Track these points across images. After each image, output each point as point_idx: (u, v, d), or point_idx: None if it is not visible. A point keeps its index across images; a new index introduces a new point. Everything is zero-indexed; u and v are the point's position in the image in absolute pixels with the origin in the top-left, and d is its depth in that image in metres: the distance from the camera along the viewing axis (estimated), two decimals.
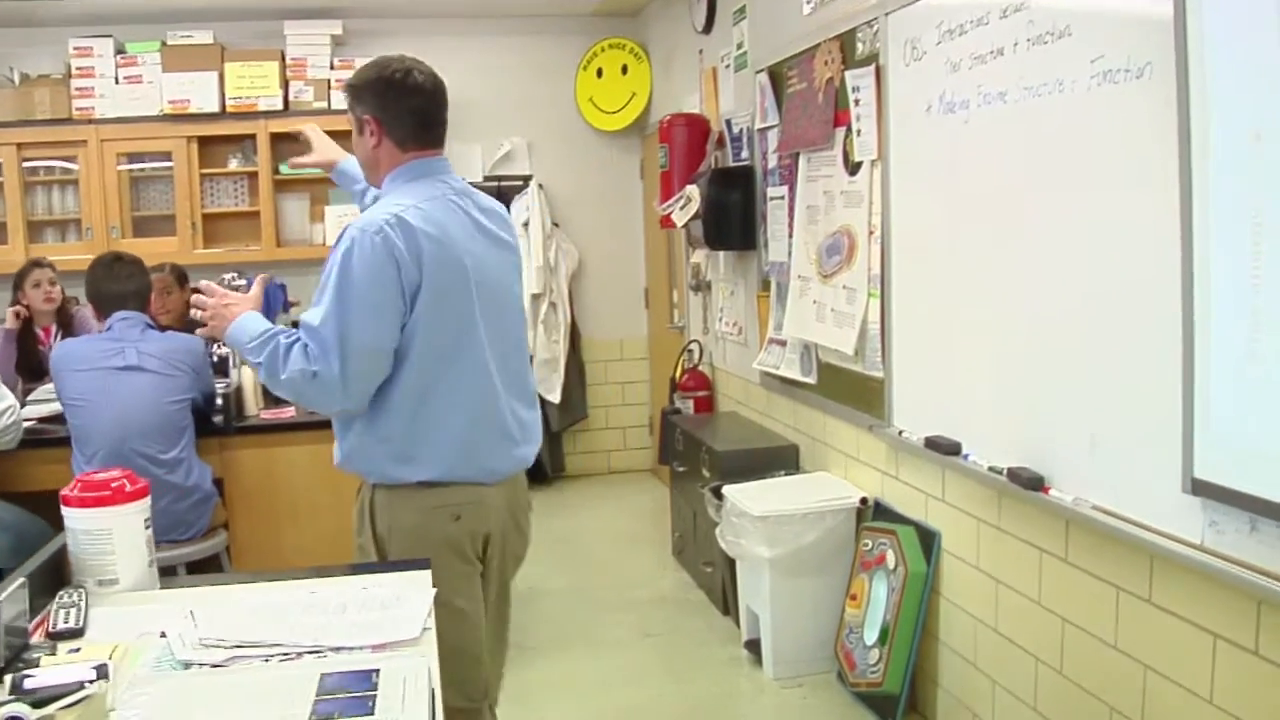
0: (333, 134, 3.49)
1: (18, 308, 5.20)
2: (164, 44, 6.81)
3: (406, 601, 2.03)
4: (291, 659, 1.79)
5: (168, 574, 4.07)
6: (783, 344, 4.91)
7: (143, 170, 7.05)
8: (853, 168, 4.11)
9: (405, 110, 2.70)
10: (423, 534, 2.65)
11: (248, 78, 6.85)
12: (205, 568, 4.30)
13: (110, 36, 6.77)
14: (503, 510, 2.81)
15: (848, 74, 4.06)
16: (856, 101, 4.00)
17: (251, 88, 6.86)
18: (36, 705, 1.52)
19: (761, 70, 4.99)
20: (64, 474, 3.97)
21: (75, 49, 6.76)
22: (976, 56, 3.23)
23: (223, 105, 6.85)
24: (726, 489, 4.51)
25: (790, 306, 4.73)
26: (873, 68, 3.88)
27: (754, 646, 4.44)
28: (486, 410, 2.70)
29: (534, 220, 7.34)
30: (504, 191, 7.41)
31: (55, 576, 2.20)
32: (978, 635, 3.51)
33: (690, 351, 6.32)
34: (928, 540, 3.78)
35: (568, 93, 7.55)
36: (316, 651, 1.82)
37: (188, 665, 1.78)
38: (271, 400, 4.63)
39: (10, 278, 5.43)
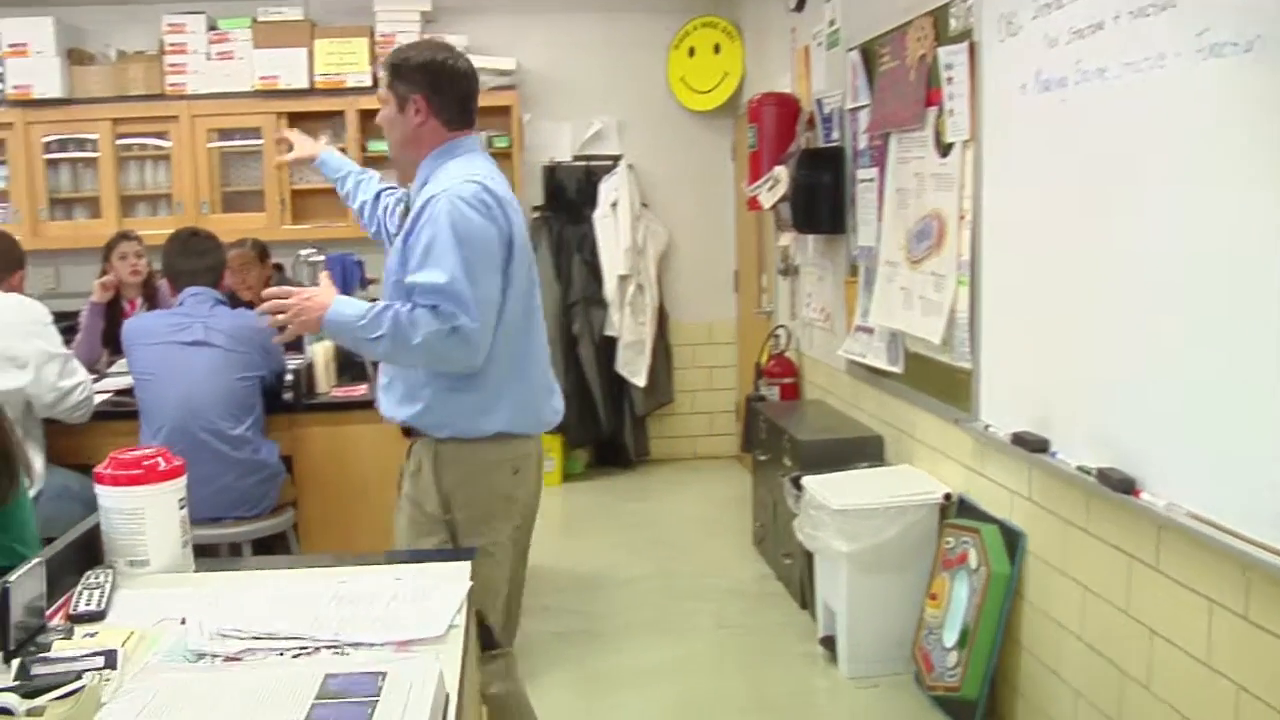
0: None
1: (105, 279, 5.24)
2: (255, 20, 6.83)
3: (438, 595, 1.93)
4: (308, 653, 1.71)
5: (234, 551, 4.14)
6: (869, 332, 4.75)
7: (233, 146, 7.09)
8: (944, 149, 3.93)
9: (456, 93, 2.88)
10: (486, 486, 2.88)
11: (337, 54, 6.84)
12: (272, 545, 4.29)
13: (203, 13, 6.80)
14: (538, 462, 3.07)
15: (940, 51, 3.88)
16: (949, 80, 3.83)
17: (341, 64, 6.86)
18: (30, 695, 1.45)
19: (853, 48, 4.81)
20: (133, 446, 4.00)
21: (168, 25, 6.80)
22: (1075, 31, 3.04)
23: (312, 82, 6.86)
24: (806, 480, 4.38)
25: (877, 293, 4.57)
26: (966, 44, 3.70)
27: (830, 643, 4.30)
28: (544, 363, 3.02)
29: (623, 201, 7.23)
30: (593, 171, 7.35)
31: (87, 555, 2.15)
32: (1062, 643, 3.33)
33: (777, 337, 6.18)
34: (1012, 541, 3.60)
35: (659, 72, 7.42)
36: (335, 647, 1.73)
37: (201, 656, 1.71)
38: (344, 377, 4.59)
39: (102, 251, 5.48)
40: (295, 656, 1.71)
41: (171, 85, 6.87)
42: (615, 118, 7.42)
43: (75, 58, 6.91)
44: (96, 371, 4.95)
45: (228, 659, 1.70)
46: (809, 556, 4.53)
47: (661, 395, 7.61)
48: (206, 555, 4.10)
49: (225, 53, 6.86)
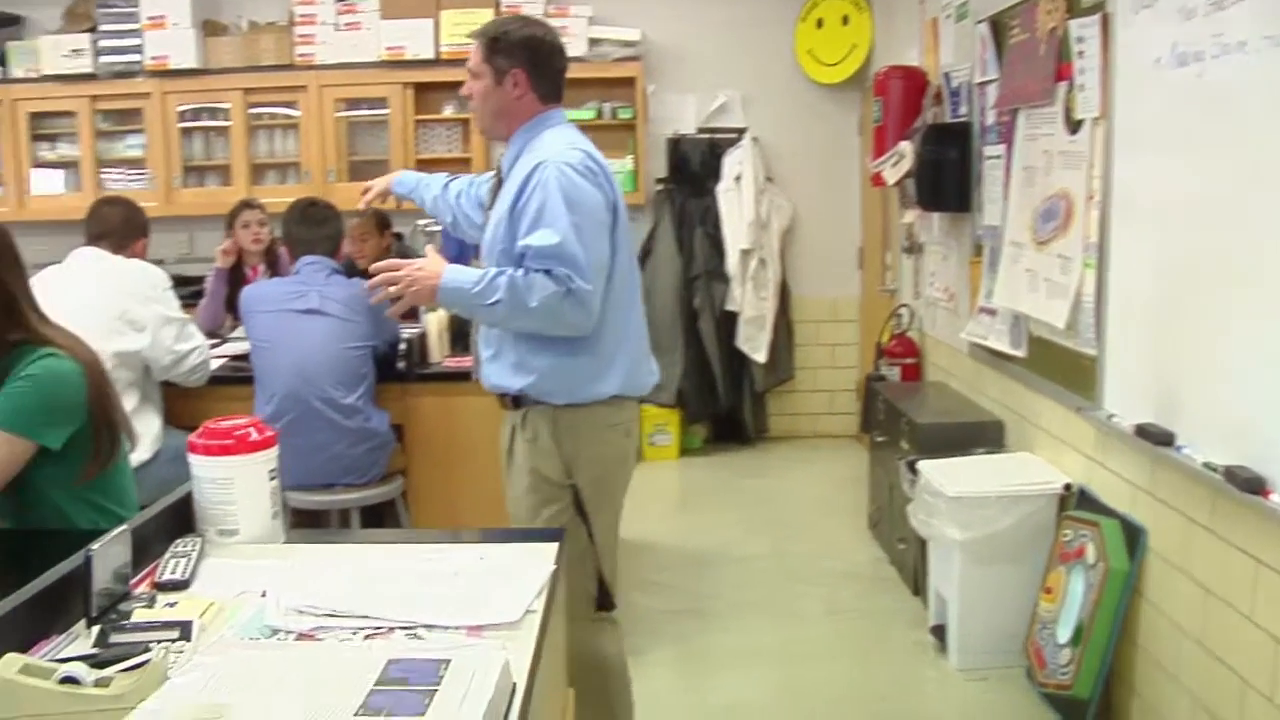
0: None
1: (226, 245, 5.35)
2: None
3: (519, 579, 1.90)
4: (381, 633, 1.70)
5: (343, 518, 4.19)
6: (992, 313, 4.60)
7: (360, 116, 7.18)
8: (1073, 126, 3.77)
9: (553, 68, 2.97)
10: (605, 451, 2.95)
11: (463, 25, 6.85)
12: (382, 512, 4.34)
13: None
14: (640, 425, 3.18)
15: (1072, 23, 3.71)
16: (1080, 54, 3.66)
17: (466, 35, 6.86)
18: (100, 665, 1.46)
19: (982, 20, 4.64)
20: (248, 412, 4.07)
21: None
22: (1213, 2, 2.87)
23: (437, 52, 6.90)
24: (922, 464, 4.27)
25: (1001, 274, 4.42)
26: (1099, 17, 3.53)
27: (940, 633, 4.19)
28: (644, 328, 3.07)
29: (747, 175, 7.13)
30: (717, 144, 7.26)
31: (179, 522, 2.17)
32: (1181, 647, 3.18)
33: (899, 316, 6.03)
34: (1133, 536, 3.45)
35: (786, 44, 7.27)
36: (409, 628, 1.71)
37: (275, 632, 1.70)
38: (457, 348, 4.61)
39: (226, 219, 5.58)
40: (367, 637, 1.69)
41: (301, 56, 6.99)
42: (740, 90, 7.31)
43: (209, 29, 7.06)
44: (219, 336, 5.06)
45: (300, 636, 1.70)
46: (923, 543, 4.41)
47: (782, 372, 7.51)
48: (316, 522, 4.23)
49: (353, 24, 6.94)
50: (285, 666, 1.48)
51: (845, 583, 4.98)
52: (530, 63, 2.90)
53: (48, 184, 7.37)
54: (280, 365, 4.03)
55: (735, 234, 7.14)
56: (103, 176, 7.26)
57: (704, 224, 7.25)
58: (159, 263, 4.26)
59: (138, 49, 7.03)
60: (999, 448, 4.55)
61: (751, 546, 5.51)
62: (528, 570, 1.96)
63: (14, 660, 1.42)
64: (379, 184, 3.63)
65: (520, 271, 2.72)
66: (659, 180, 7.30)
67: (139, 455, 3.40)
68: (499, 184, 3.00)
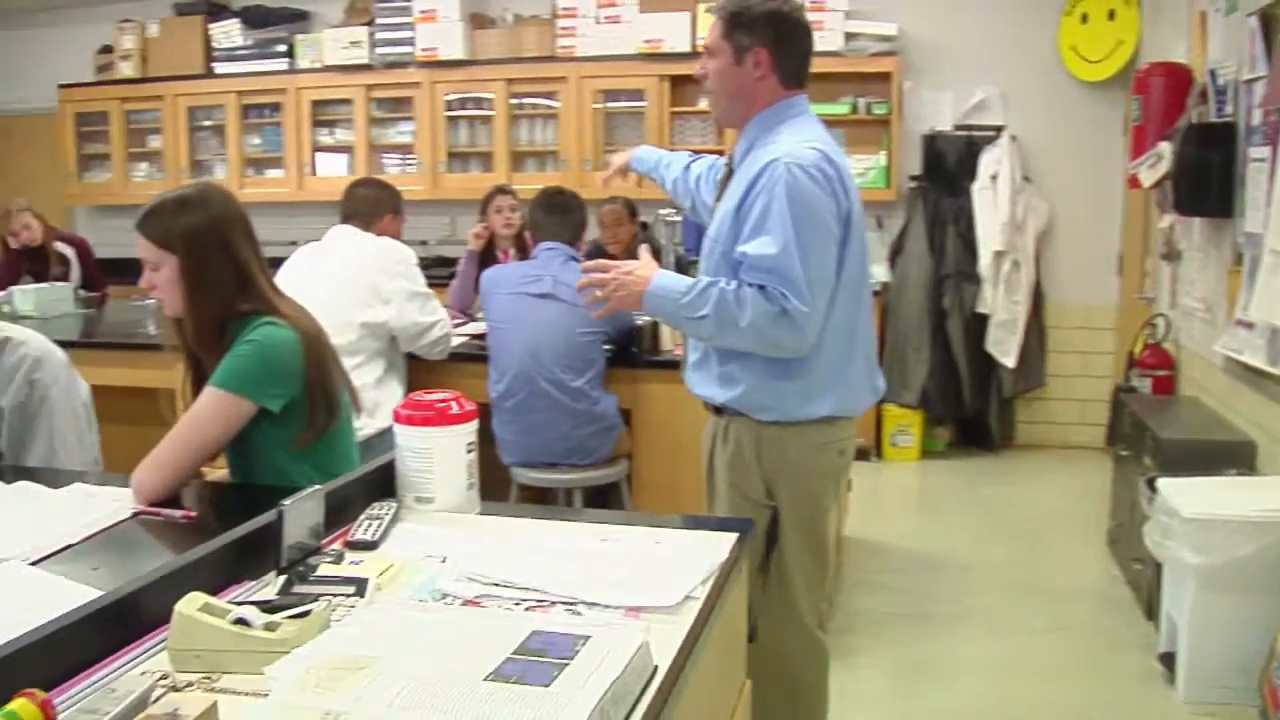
0: None
1: (478, 229, 5.58)
2: None
3: (687, 564, 1.93)
4: (543, 606, 1.75)
5: (567, 498, 4.31)
6: (1249, 327, 4.33)
7: (617, 107, 7.36)
8: None
9: (799, 48, 2.73)
10: (812, 469, 2.77)
11: None
12: (605, 494, 4.44)
13: None
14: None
15: None
16: None
17: (706, 11, 6.95)
18: (273, 611, 1.57)
19: (1253, 13, 4.36)
20: (481, 389, 4.25)
21: None
22: None
23: (694, 45, 6.99)
24: (1161, 482, 4.06)
25: (1260, 285, 4.15)
26: None
27: (1169, 661, 3.97)
28: (872, 344, 2.87)
29: (1003, 174, 6.94)
30: (974, 142, 7.11)
31: (381, 487, 2.29)
32: None
33: (1154, 326, 5.74)
34: None
35: (1048, 39, 7.02)
36: (570, 604, 1.77)
37: (444, 596, 1.79)
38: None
39: (480, 203, 5.81)
40: (528, 609, 1.75)
41: (562, 48, 7.22)
42: (999, 87, 7.13)
43: (476, 22, 7.38)
44: (469, 315, 5.30)
45: (466, 602, 1.77)
46: (1159, 565, 4.20)
47: (1032, 378, 7.27)
48: (542, 500, 4.37)
49: (613, 17, 7.12)
50: (437, 628, 1.55)
51: (1075, 599, 4.79)
52: (774, 40, 2.67)
53: (331, 167, 7.87)
54: (513, 346, 4.19)
55: (989, 234, 6.96)
56: (379, 161, 7.69)
57: (957, 223, 7.10)
58: (422, 243, 4.51)
59: (410, 41, 7.42)
60: (1249, 470, 4.28)
61: (983, 554, 5.38)
62: (699, 557, 1.98)
63: (196, 599, 1.55)
64: (618, 159, 3.51)
65: (732, 285, 2.56)
66: (912, 178, 7.19)
67: (381, 422, 3.57)
68: (728, 176, 2.83)
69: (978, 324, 7.08)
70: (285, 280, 4.09)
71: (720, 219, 2.74)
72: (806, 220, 2.54)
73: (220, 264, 2.59)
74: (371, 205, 4.32)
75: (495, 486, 4.42)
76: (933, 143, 7.16)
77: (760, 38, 2.67)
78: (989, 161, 7.01)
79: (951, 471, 6.94)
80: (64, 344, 3.19)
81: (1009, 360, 7.06)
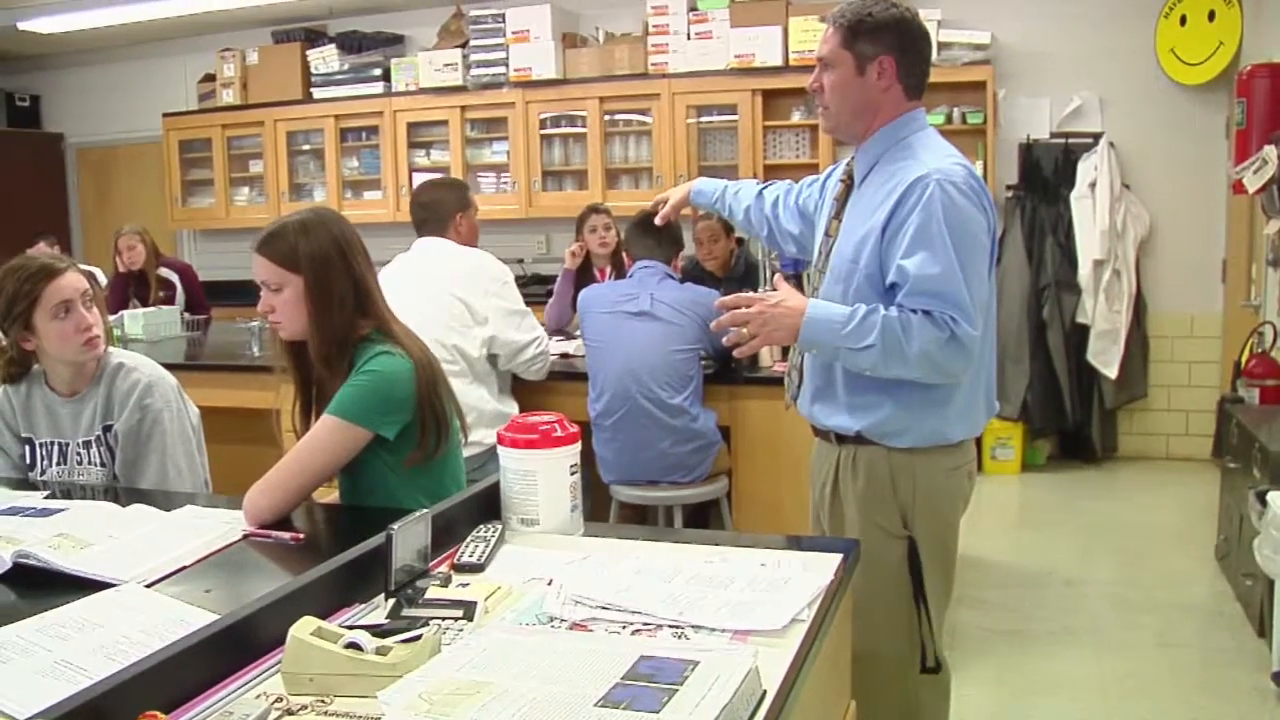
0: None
1: (574, 248, 5.62)
2: (733, 0, 7.03)
3: (793, 586, 1.92)
4: (649, 630, 1.77)
5: (667, 516, 4.32)
6: None
7: (709, 122, 7.37)
8: None
9: (922, 56, 2.61)
10: (945, 495, 2.66)
11: (812, 31, 6.91)
12: (705, 512, 4.44)
13: None
14: None
15: None
16: None
17: (815, 41, 6.88)
18: (384, 635, 1.60)
19: None
20: (580, 407, 4.28)
21: (653, 8, 7.21)
22: None
23: (786, 59, 6.98)
24: (1271, 495, 3.96)
25: None
26: None
27: None
28: (994, 364, 2.75)
29: (1101, 182, 6.83)
30: (1071, 149, 7.02)
31: (487, 509, 2.31)
32: None
33: (1261, 334, 5.61)
34: None
35: (1146, 43, 6.89)
36: (676, 627, 1.77)
37: (551, 619, 1.80)
38: (787, 353, 4.66)
39: (575, 222, 5.86)
40: (635, 632, 1.76)
41: (654, 65, 7.27)
42: (1096, 93, 7.03)
43: (568, 41, 7.45)
44: (565, 333, 5.35)
45: (574, 625, 1.78)
46: (1270, 580, 4.10)
47: (1134, 389, 7.14)
48: (642, 518, 4.39)
49: (704, 32, 7.14)
50: (546, 652, 1.56)
51: (1183, 616, 4.68)
52: (899, 48, 2.53)
53: None
54: (610, 364, 4.21)
55: (1088, 243, 6.86)
56: (474, 181, 7.80)
57: (1055, 233, 7.00)
58: (518, 262, 4.54)
59: (504, 62, 7.52)
60: None
61: (1087, 570, 5.27)
62: (804, 579, 1.97)
63: (309, 623, 1.58)
64: (675, 195, 3.36)
65: (893, 311, 2.41)
66: (1009, 187, 7.11)
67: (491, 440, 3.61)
68: (847, 190, 2.69)
69: (1078, 334, 6.98)
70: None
71: (859, 240, 2.58)
72: (965, 240, 2.43)
73: (343, 283, 2.65)
74: (436, 209, 4.32)
75: (596, 505, 4.46)
76: (1029, 151, 7.08)
77: (884, 46, 2.52)
78: (1087, 169, 6.90)
79: (1053, 485, 6.83)
80: (171, 366, 3.29)
81: (1111, 371, 6.94)
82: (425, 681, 1.46)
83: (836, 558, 2.13)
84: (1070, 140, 7.02)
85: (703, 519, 4.50)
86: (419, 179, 7.91)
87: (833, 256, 2.65)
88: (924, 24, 2.61)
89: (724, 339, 2.67)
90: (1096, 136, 6.96)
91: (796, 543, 2.36)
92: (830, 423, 2.69)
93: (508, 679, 1.46)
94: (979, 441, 6.79)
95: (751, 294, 2.60)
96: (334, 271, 2.64)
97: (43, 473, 3.11)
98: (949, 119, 6.89)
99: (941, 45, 6.79)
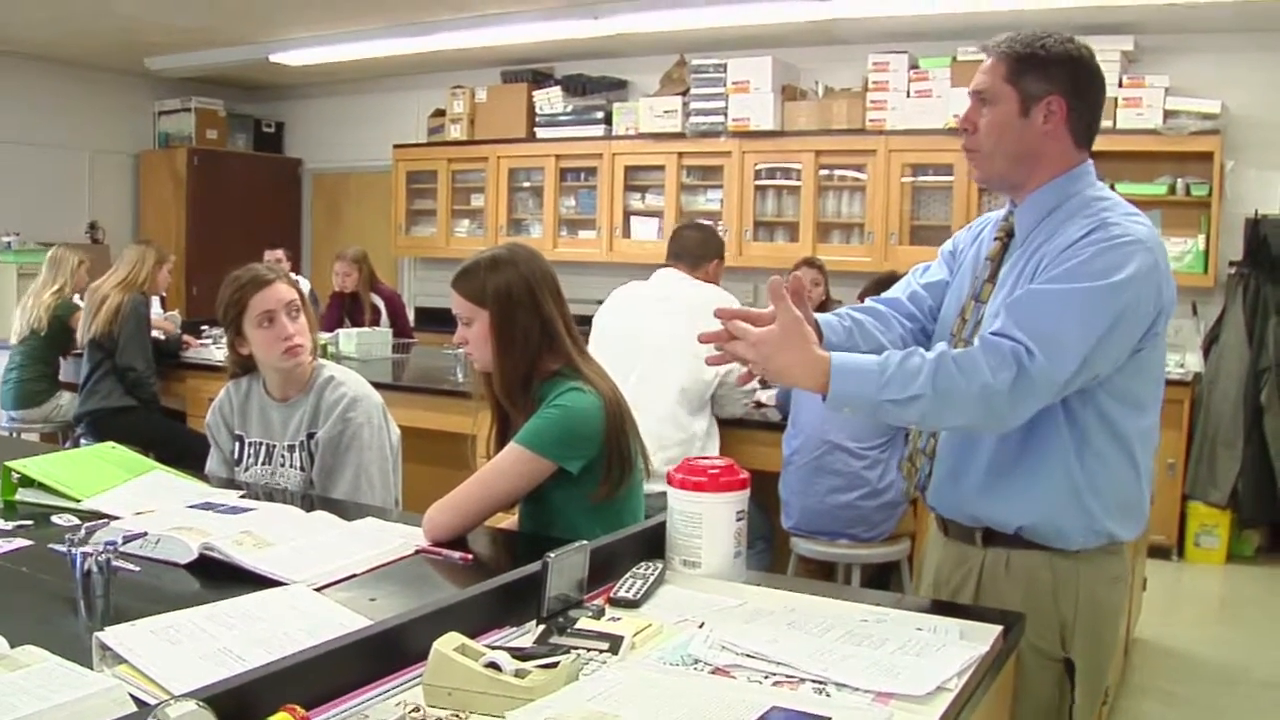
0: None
1: None
2: (954, 59, 6.96)
3: (944, 654, 1.88)
4: (790, 682, 1.75)
5: (845, 576, 4.25)
6: None
7: (924, 181, 7.29)
8: None
9: (1095, 100, 2.23)
10: (1110, 610, 2.29)
11: None
12: (885, 574, 4.36)
13: (905, 52, 7.07)
14: None
15: None
16: None
17: (981, 48, 6.79)
18: (526, 659, 1.64)
19: None
20: (767, 456, 4.28)
21: (874, 64, 7.18)
22: None
23: None
24: None
25: None
26: None
27: None
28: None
29: None
30: None
31: (651, 547, 2.33)
32: None
33: None
34: None
35: None
36: (819, 683, 1.76)
37: (695, 661, 1.81)
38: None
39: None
40: (776, 683, 1.75)
41: (872, 121, 7.24)
42: None
43: (788, 94, 7.50)
44: (761, 380, 5.35)
45: (716, 670, 1.79)
46: None
47: None
48: (820, 575, 4.33)
49: (924, 90, 7.09)
50: (681, 694, 1.57)
51: None
52: (1072, 90, 2.16)
53: (641, 231, 8.15)
54: (806, 411, 4.21)
55: None
56: None
57: (1279, 313, 6.65)
58: None
59: (723, 111, 7.62)
60: None
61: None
62: (958, 647, 1.93)
63: (454, 639, 1.64)
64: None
65: (940, 348, 2.04)
66: (1232, 263, 6.79)
67: None
68: (1003, 249, 2.31)
69: None
70: (609, 315, 4.30)
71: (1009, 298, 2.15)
72: (1107, 293, 2.03)
73: (528, 321, 2.72)
74: (700, 247, 4.43)
75: (776, 559, 4.44)
76: (1256, 226, 6.74)
77: (1055, 84, 2.14)
78: None
79: (1260, 579, 6.45)
80: (378, 385, 3.43)
81: None
82: (554, 708, 1.49)
83: (996, 629, 2.06)
84: None
85: (883, 581, 4.42)
86: (634, 222, 8.10)
87: (985, 321, 2.22)
88: (1100, 66, 2.24)
89: (705, 357, 2.29)
90: None
91: (957, 609, 2.28)
92: (979, 514, 2.27)
93: (634, 714, 1.48)
94: (1182, 525, 6.56)
95: (760, 311, 2.17)
96: (520, 309, 2.71)
97: (247, 469, 3.31)
98: (1172, 189, 6.64)
99: (1168, 114, 6.57)
